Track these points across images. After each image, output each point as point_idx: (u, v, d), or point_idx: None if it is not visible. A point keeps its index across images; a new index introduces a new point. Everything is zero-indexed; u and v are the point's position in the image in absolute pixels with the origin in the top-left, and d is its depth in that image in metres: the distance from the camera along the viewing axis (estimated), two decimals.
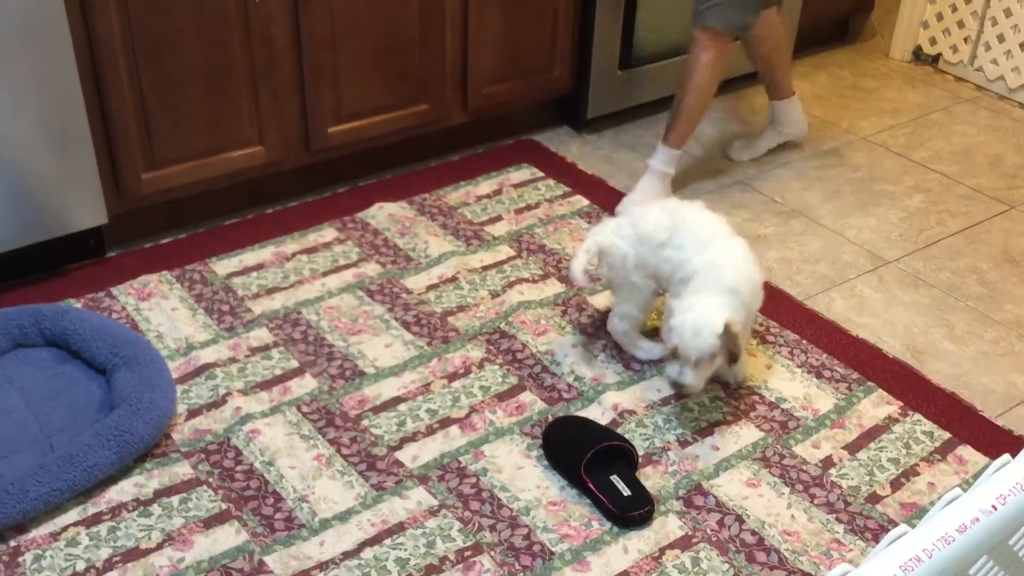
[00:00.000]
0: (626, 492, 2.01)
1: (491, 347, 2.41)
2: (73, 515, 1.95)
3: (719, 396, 2.31)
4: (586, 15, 3.15)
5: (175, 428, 2.15)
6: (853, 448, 2.19)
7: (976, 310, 2.65)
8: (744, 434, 2.21)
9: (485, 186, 3.04)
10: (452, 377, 2.32)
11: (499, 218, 2.90)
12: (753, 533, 1.99)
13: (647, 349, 2.38)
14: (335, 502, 2.00)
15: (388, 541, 1.93)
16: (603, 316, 2.53)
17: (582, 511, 2.02)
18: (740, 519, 2.01)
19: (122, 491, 2.01)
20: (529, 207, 2.96)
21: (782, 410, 2.28)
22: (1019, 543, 1.02)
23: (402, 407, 2.24)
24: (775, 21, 3.07)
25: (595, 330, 2.49)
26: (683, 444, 2.18)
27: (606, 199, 2.99)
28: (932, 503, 2.06)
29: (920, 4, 3.90)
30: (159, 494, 2.01)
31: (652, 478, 2.09)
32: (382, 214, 2.87)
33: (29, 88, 2.32)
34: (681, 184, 3.07)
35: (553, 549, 1.93)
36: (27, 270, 2.55)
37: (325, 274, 2.63)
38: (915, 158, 3.33)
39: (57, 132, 2.40)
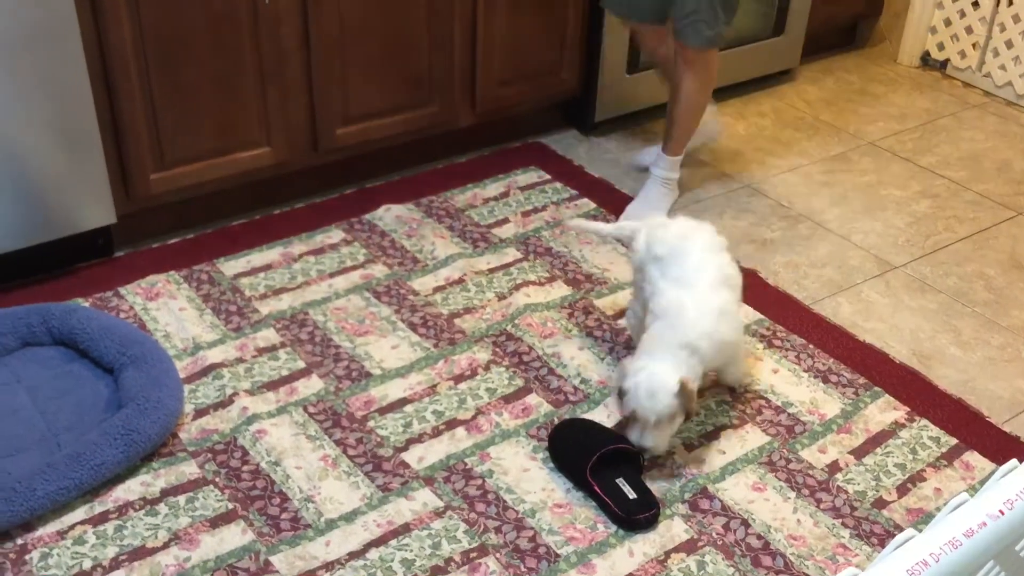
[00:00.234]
0: (632, 495, 2.02)
1: (497, 349, 2.41)
2: (80, 513, 1.96)
3: (725, 400, 2.31)
4: (594, 18, 3.15)
5: (182, 427, 2.16)
6: (859, 453, 2.19)
7: (983, 316, 2.65)
8: (750, 438, 2.21)
9: (492, 188, 3.05)
10: (458, 379, 2.33)
11: (506, 220, 2.90)
12: (759, 537, 1.99)
13: None
14: (341, 503, 2.01)
15: (394, 542, 1.94)
16: (609, 319, 2.53)
17: (588, 514, 2.02)
18: (746, 523, 2.01)
19: (129, 490, 2.01)
20: (536, 210, 2.96)
21: (788, 414, 2.28)
22: None
23: (408, 408, 2.24)
24: (661, 33, 2.93)
25: (601, 333, 2.49)
26: (689, 448, 2.18)
27: (613, 202, 2.99)
28: (938, 509, 2.06)
29: (928, 9, 3.90)
30: (166, 493, 2.01)
31: (658, 481, 2.09)
32: (389, 216, 2.88)
33: (40, 89, 2.32)
34: (688, 188, 3.07)
35: (558, 551, 1.93)
36: (35, 269, 2.56)
37: (332, 275, 2.64)
38: (922, 163, 3.33)
39: (67, 132, 2.41)
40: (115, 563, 1.87)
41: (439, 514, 2.00)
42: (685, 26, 2.74)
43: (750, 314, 2.55)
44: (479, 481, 2.07)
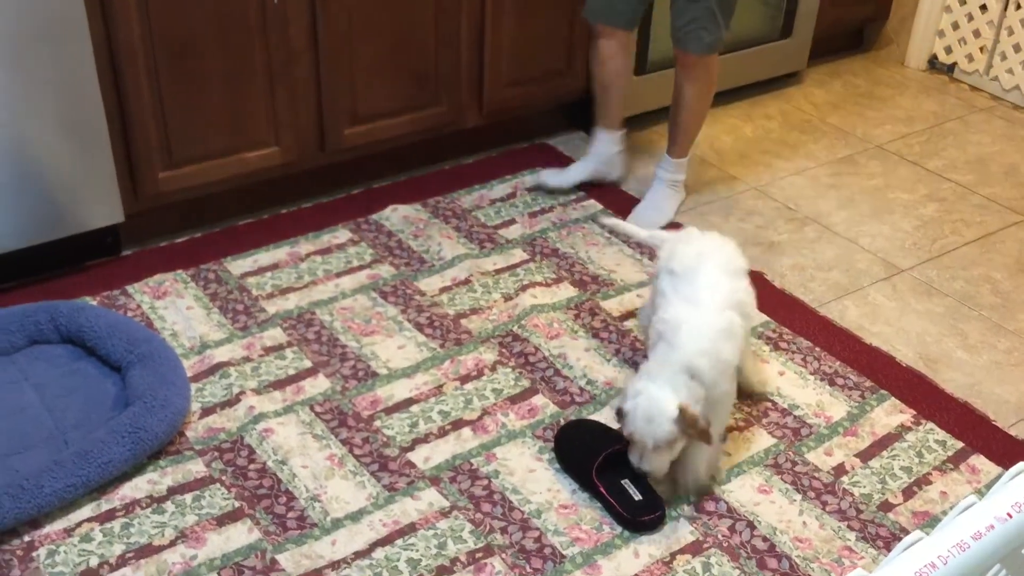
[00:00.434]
0: (637, 496, 2.02)
1: (504, 350, 2.42)
2: (87, 511, 1.96)
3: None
4: None
5: (189, 426, 2.16)
6: (865, 456, 2.19)
7: (990, 320, 2.65)
8: (756, 440, 2.21)
9: (499, 189, 3.05)
10: (464, 379, 2.33)
11: (513, 221, 2.90)
12: (764, 539, 1.99)
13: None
14: (347, 502, 2.01)
15: (400, 542, 1.94)
16: (616, 320, 2.53)
17: (593, 515, 2.02)
18: (751, 525, 2.01)
19: (136, 488, 2.02)
20: (543, 211, 2.96)
21: (795, 417, 2.28)
22: None
23: (414, 408, 2.24)
24: (625, 44, 2.91)
25: (608, 334, 2.49)
26: None
27: (619, 204, 2.99)
28: (944, 512, 2.06)
29: (936, 13, 3.89)
30: (172, 491, 2.01)
31: (663, 483, 2.09)
32: (396, 216, 2.88)
33: (49, 87, 2.33)
34: (695, 191, 3.07)
35: (564, 552, 1.94)
36: (44, 267, 2.57)
37: (339, 275, 2.64)
38: (930, 167, 3.33)
39: (76, 131, 2.41)
40: (122, 561, 1.87)
41: (445, 514, 2.00)
42: (685, 33, 2.74)
43: (756, 317, 2.54)
44: (485, 481, 2.07)
